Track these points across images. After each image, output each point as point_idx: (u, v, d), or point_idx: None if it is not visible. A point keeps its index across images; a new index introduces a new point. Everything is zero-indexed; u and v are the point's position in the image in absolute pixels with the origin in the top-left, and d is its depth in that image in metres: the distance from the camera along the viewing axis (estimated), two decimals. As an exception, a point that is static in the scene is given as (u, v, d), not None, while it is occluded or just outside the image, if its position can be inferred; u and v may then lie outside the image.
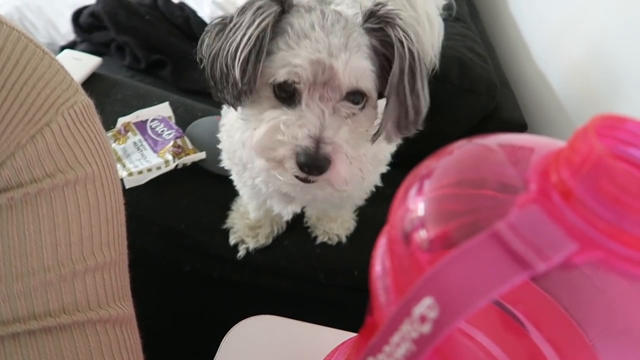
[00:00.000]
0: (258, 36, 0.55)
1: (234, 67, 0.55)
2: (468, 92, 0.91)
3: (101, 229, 0.37)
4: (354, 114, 0.57)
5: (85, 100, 0.37)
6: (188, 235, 0.93)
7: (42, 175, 0.34)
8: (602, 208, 0.21)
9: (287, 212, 0.79)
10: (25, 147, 0.34)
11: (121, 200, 0.41)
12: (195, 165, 0.96)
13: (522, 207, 0.23)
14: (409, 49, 0.56)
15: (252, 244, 0.92)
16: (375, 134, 0.60)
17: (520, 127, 1.07)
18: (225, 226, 0.93)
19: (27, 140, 0.34)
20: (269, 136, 0.55)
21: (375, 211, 0.98)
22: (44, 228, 0.34)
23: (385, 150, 0.75)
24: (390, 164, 0.79)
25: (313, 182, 0.56)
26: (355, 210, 0.95)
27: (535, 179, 0.25)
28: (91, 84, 1.02)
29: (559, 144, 0.30)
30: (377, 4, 0.59)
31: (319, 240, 0.93)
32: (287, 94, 0.57)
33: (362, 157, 0.56)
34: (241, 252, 0.91)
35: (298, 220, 0.96)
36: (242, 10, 0.57)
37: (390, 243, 0.29)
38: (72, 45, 1.52)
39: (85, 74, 0.99)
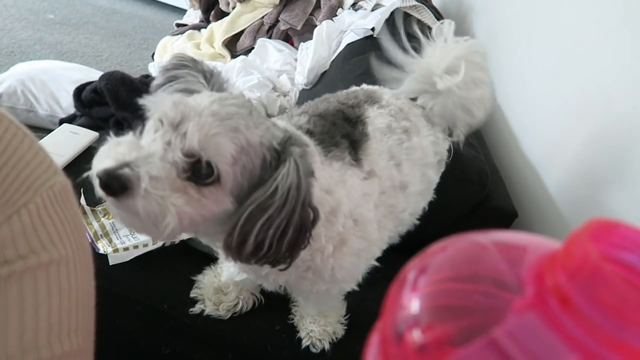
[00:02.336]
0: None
1: None
2: (460, 181, 0.93)
3: (70, 314, 0.36)
4: (198, 184, 0.55)
5: (63, 181, 0.37)
6: (170, 316, 0.89)
7: (15, 257, 0.33)
8: (601, 318, 0.21)
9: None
10: (0, 228, 0.33)
11: (92, 284, 0.40)
12: (183, 243, 0.94)
13: (519, 314, 0.22)
14: (277, 187, 0.54)
15: (209, 308, 0.87)
16: None
17: (511, 215, 1.08)
18: (194, 278, 0.90)
19: (3, 220, 0.33)
20: (103, 152, 0.56)
21: (365, 297, 0.95)
22: (11, 312, 0.33)
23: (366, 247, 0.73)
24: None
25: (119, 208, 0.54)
26: (346, 314, 0.91)
27: (531, 282, 0.25)
28: (86, 157, 1.02)
29: (552, 244, 0.30)
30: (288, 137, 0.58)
31: (303, 344, 0.87)
32: None
33: (167, 202, 0.52)
34: (196, 309, 0.87)
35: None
36: None
37: (382, 343, 0.28)
38: (71, 119, 1.55)
39: (81, 148, 1.01)
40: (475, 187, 1.01)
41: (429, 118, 0.85)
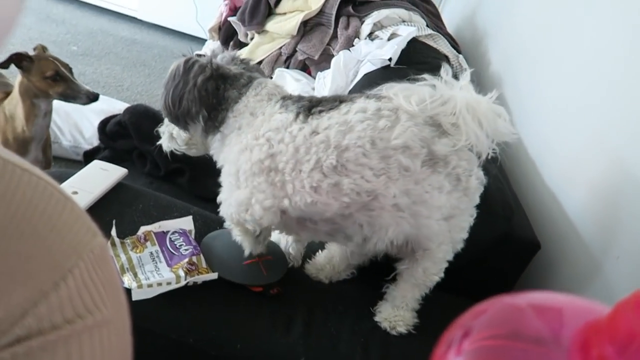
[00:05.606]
0: None
1: None
2: (484, 213, 0.92)
3: None
4: None
5: (102, 242, 0.39)
6: (197, 350, 0.89)
7: (62, 322, 0.34)
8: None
9: None
10: (49, 295, 0.34)
11: (130, 341, 0.41)
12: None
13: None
14: None
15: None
16: None
17: (534, 246, 1.07)
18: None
19: (51, 287, 0.34)
20: None
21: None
22: None
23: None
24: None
25: None
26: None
27: (576, 352, 0.25)
28: (115, 193, 1.06)
29: (587, 305, 0.31)
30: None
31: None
32: None
33: None
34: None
35: (313, 332, 0.93)
36: None
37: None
38: (95, 151, 1.59)
39: (111, 184, 1.03)
40: (500, 220, 1.01)
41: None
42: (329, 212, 0.87)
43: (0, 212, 0.33)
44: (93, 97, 1.36)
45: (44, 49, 1.35)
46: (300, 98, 0.92)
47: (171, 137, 1.02)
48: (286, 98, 0.92)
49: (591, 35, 1.24)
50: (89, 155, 1.59)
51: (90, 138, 1.98)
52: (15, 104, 1.33)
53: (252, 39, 2.13)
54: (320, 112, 0.87)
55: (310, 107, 0.88)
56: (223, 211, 0.93)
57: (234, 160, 0.90)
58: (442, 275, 0.96)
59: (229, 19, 2.18)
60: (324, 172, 0.84)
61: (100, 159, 1.22)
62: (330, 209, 0.86)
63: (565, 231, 1.13)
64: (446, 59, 1.82)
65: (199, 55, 0.95)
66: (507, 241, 1.04)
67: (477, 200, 0.91)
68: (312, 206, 0.86)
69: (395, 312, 0.98)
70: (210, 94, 0.91)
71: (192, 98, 0.90)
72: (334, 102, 0.89)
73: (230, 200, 0.90)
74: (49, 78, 1.29)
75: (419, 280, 0.97)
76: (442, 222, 0.89)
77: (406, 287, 0.98)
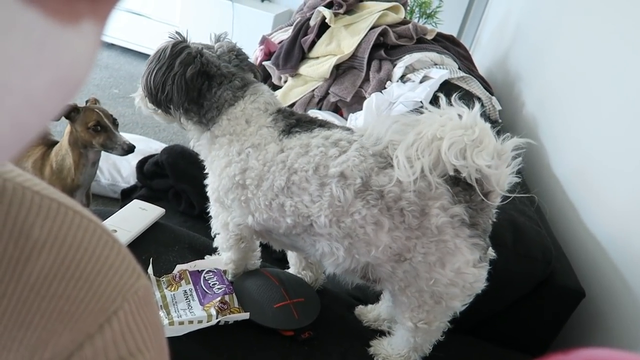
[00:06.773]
0: None
1: None
2: (523, 257, 0.90)
3: None
4: None
5: (146, 285, 0.39)
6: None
7: None
8: None
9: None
10: (94, 337, 0.34)
11: None
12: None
13: None
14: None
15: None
16: None
17: (578, 294, 1.02)
18: None
19: (96, 329, 0.35)
20: None
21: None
22: None
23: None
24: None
25: None
26: None
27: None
28: (153, 232, 1.08)
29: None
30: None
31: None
32: None
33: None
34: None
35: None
36: None
37: None
38: (132, 189, 1.63)
39: (148, 224, 1.06)
40: (539, 264, 0.97)
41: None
42: (280, 228, 0.90)
43: (52, 254, 0.33)
44: (128, 149, 1.36)
45: (96, 101, 1.40)
46: (291, 114, 0.93)
47: (143, 98, 0.98)
48: (280, 111, 0.92)
49: (631, 73, 1.22)
50: (126, 194, 1.62)
51: (128, 177, 2.04)
52: (63, 154, 1.36)
53: (285, 82, 2.18)
54: (297, 132, 0.88)
55: (294, 125, 0.89)
56: (216, 241, 1.02)
57: (218, 174, 0.92)
58: (427, 324, 0.87)
59: (264, 63, 2.24)
60: (275, 191, 0.86)
61: (137, 198, 1.25)
62: (280, 225, 0.89)
63: (611, 279, 1.08)
64: (479, 100, 1.82)
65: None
66: (549, 288, 1.00)
67: (454, 244, 0.80)
68: (268, 222, 0.90)
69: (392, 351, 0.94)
70: (195, 88, 0.90)
71: (177, 87, 0.88)
72: (312, 124, 0.89)
73: (217, 224, 0.99)
74: (91, 128, 1.32)
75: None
76: (394, 263, 0.83)
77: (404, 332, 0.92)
